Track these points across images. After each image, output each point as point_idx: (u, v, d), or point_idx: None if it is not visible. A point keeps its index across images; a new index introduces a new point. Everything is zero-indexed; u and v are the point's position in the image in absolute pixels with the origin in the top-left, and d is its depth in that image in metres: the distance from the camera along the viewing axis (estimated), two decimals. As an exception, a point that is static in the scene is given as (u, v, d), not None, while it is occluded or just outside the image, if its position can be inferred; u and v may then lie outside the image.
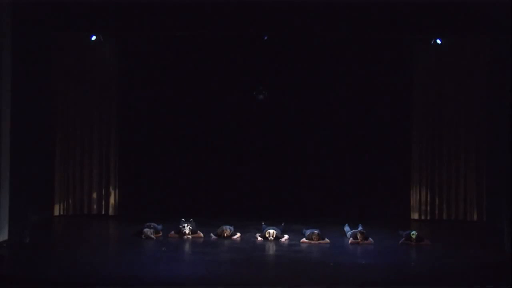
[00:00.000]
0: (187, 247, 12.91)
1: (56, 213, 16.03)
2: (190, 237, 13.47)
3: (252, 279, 10.39)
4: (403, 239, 13.17)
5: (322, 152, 16.57)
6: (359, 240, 13.10)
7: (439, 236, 14.97)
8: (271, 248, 12.84)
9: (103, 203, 16.41)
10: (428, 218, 16.27)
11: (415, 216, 16.24)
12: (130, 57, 16.35)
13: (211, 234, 13.68)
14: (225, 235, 13.57)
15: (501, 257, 11.83)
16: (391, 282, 10.34)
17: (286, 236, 13.53)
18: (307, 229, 13.54)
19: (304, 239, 13.29)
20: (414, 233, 13.10)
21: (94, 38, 15.58)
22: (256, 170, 16.55)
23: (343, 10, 13.89)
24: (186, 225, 13.56)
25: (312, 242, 13.12)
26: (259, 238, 13.47)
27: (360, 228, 13.60)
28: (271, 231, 13.39)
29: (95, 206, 16.37)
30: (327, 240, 13.24)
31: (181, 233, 13.52)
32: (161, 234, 13.72)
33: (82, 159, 16.32)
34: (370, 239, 13.18)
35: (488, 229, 15.33)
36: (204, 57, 16.23)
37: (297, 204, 16.40)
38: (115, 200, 16.45)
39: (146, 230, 13.44)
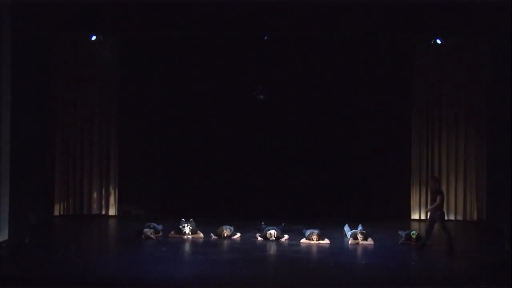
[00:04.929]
0: (187, 247, 12.91)
1: (56, 213, 16.04)
2: (190, 237, 13.48)
3: (252, 279, 10.40)
4: (403, 239, 13.17)
5: (322, 152, 16.59)
6: (359, 241, 13.10)
7: (439, 236, 14.98)
8: (271, 248, 12.84)
9: (103, 203, 16.42)
10: (428, 218, 16.25)
11: (415, 216, 16.26)
12: (130, 57, 16.37)
13: (211, 234, 13.68)
14: (225, 235, 13.57)
15: (501, 257, 11.83)
16: (391, 282, 10.34)
17: (286, 236, 13.53)
18: (307, 229, 13.54)
19: (304, 239, 13.28)
20: (414, 233, 13.11)
21: (94, 38, 15.59)
22: (256, 170, 16.57)
23: (343, 10, 13.89)
24: (186, 225, 13.57)
25: (312, 242, 13.12)
26: (259, 238, 13.48)
27: (360, 228, 13.60)
28: (272, 231, 13.39)
29: (95, 206, 16.38)
30: (327, 240, 13.24)
31: (181, 233, 13.52)
32: (161, 234, 13.73)
33: (82, 159, 16.33)
34: (370, 239, 13.18)
35: (488, 229, 15.34)
36: (204, 57, 16.24)
37: (297, 204, 16.40)
38: (115, 200, 16.45)
39: (146, 230, 13.44)
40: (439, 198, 12.63)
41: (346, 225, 14.08)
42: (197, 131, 16.65)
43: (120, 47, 16.34)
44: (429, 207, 12.93)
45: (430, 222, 12.82)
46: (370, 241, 13.13)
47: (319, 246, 12.96)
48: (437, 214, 12.62)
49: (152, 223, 13.80)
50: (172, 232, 13.69)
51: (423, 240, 12.78)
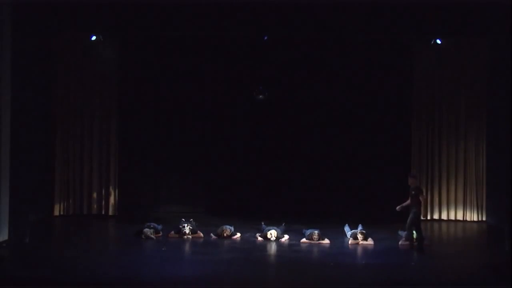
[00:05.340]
0: (187, 247, 12.91)
1: (56, 213, 16.03)
2: (190, 237, 13.48)
3: (252, 279, 10.40)
4: (403, 239, 13.16)
5: (322, 152, 16.58)
6: (359, 241, 13.10)
7: (439, 236, 15.00)
8: (271, 248, 12.84)
9: (103, 203, 16.41)
10: (428, 218, 16.29)
11: (415, 216, 16.24)
12: (130, 57, 16.36)
13: (211, 234, 13.69)
14: (225, 235, 13.58)
15: (501, 257, 11.84)
16: (391, 282, 10.34)
17: (286, 236, 13.53)
18: (307, 229, 13.55)
19: (304, 239, 13.29)
20: (414, 233, 13.09)
21: (94, 38, 15.59)
22: (257, 170, 16.56)
23: (343, 10, 13.89)
24: (186, 225, 13.57)
25: (312, 242, 13.13)
26: (259, 238, 13.48)
27: (360, 228, 13.60)
28: (272, 231, 13.39)
29: (95, 206, 16.38)
30: (327, 240, 13.25)
31: (181, 233, 13.52)
32: (161, 234, 13.73)
33: (82, 159, 16.32)
34: (370, 239, 13.18)
35: (488, 229, 15.35)
36: (204, 57, 16.24)
37: (297, 204, 16.40)
38: (115, 200, 16.45)
39: (146, 230, 13.44)
40: (422, 197, 12.71)
41: (346, 225, 14.08)
42: (196, 131, 16.64)
43: (120, 47, 16.33)
44: (421, 212, 12.96)
45: (415, 222, 12.82)
46: (370, 241, 13.13)
47: (319, 246, 12.97)
48: (412, 211, 12.63)
49: (152, 223, 13.80)
50: (172, 232, 13.69)
51: (419, 242, 12.76)
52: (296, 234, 13.73)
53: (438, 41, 15.58)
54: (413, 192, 12.77)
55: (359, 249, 12.80)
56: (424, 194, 12.91)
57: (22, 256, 11.80)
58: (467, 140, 16.26)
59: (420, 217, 12.85)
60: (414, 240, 12.95)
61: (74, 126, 16.26)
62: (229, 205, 16.58)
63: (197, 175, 16.81)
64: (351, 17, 14.17)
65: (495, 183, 15.45)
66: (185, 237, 13.45)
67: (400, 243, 13.13)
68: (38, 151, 14.81)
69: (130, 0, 13.76)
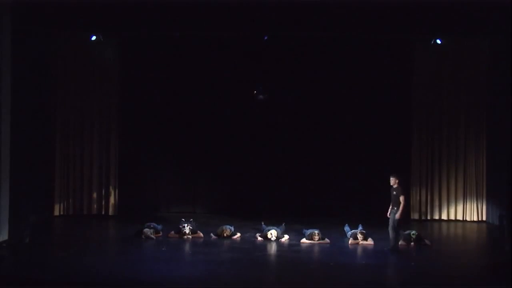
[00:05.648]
0: (187, 247, 12.91)
1: (56, 213, 16.04)
2: (190, 237, 13.48)
3: (252, 279, 10.40)
4: (403, 239, 13.14)
5: (322, 153, 16.58)
6: (359, 241, 13.10)
7: (439, 236, 14.99)
8: (271, 248, 12.84)
9: (103, 203, 16.42)
10: (428, 218, 16.29)
11: (415, 216, 16.25)
12: (130, 57, 16.36)
13: (211, 234, 13.69)
14: (225, 235, 13.58)
15: (501, 257, 11.84)
16: (391, 282, 10.34)
17: (286, 236, 13.53)
18: (307, 229, 13.55)
19: (304, 239, 13.29)
20: (414, 233, 13.10)
21: (94, 38, 15.59)
22: (257, 170, 16.56)
23: (343, 10, 13.87)
24: (186, 225, 13.58)
25: (313, 242, 13.13)
26: (259, 238, 13.48)
27: (360, 228, 13.61)
28: (273, 231, 13.39)
29: (95, 206, 16.39)
30: (327, 240, 13.25)
31: (181, 233, 13.52)
32: (161, 234, 13.73)
33: (82, 159, 16.33)
34: (370, 239, 13.18)
35: (488, 229, 15.35)
36: (205, 57, 16.23)
37: (297, 204, 16.40)
38: (115, 200, 16.45)
39: (146, 230, 13.44)
40: (403, 199, 12.46)
41: (346, 225, 14.09)
42: (197, 131, 16.64)
43: (120, 47, 16.33)
44: (398, 212, 12.62)
45: (396, 224, 12.62)
46: (370, 241, 13.13)
47: (320, 246, 12.96)
48: (392, 212, 12.41)
49: (152, 223, 13.80)
50: (172, 232, 13.69)
51: (394, 242, 12.64)
52: (296, 234, 13.73)
53: (438, 41, 15.58)
54: (394, 193, 12.58)
55: (359, 249, 12.80)
56: (405, 195, 12.56)
57: (22, 256, 11.80)
58: (467, 140, 16.26)
59: (398, 217, 12.56)
60: (412, 240, 12.96)
61: (74, 126, 16.27)
62: (229, 205, 16.59)
63: (197, 175, 16.81)
64: (351, 17, 14.14)
65: (495, 183, 15.45)
66: (185, 237, 13.45)
67: (399, 243, 13.12)
68: (38, 151, 14.81)
69: (130, 0, 13.73)
